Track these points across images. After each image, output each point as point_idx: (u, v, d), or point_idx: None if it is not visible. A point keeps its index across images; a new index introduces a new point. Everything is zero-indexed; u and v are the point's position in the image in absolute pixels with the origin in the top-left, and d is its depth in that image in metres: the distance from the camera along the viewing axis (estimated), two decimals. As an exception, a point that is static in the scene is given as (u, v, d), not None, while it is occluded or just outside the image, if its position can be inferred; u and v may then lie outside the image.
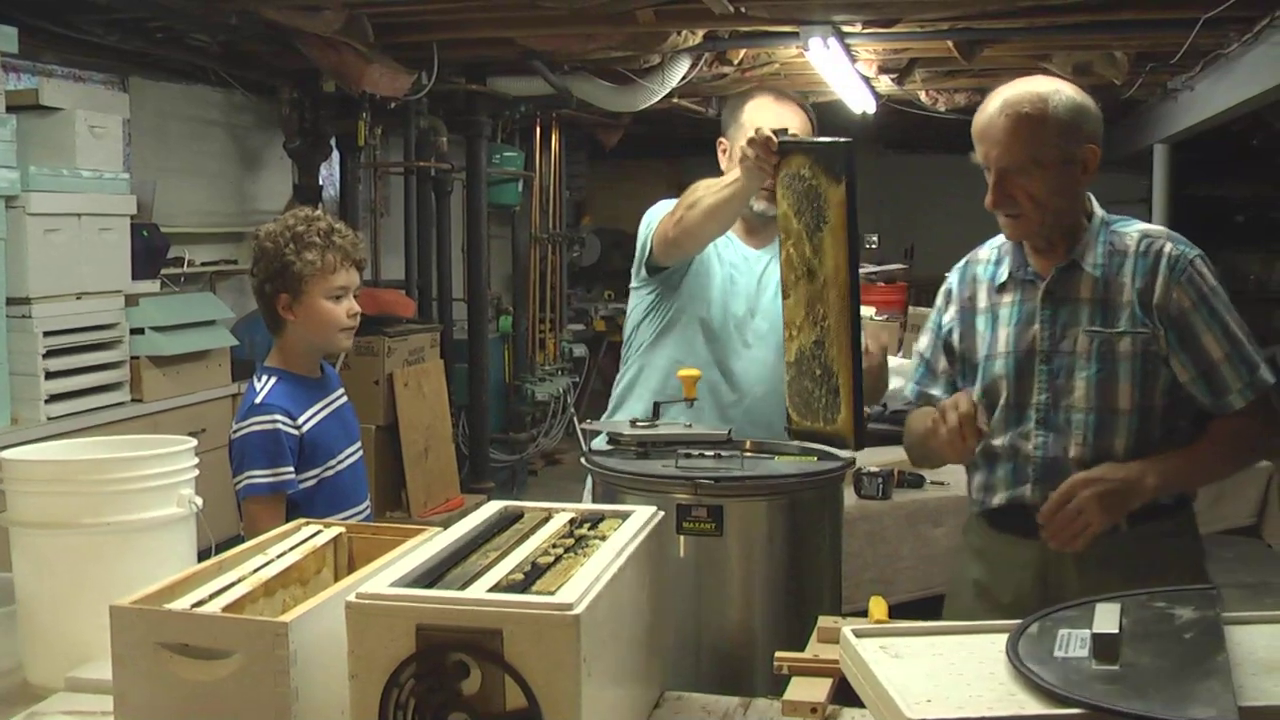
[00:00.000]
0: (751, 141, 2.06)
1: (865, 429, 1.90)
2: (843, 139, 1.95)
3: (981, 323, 2.20)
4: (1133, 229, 2.11)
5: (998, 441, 2.14)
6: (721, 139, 2.76)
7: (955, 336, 2.24)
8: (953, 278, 2.30)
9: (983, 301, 2.20)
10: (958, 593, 2.28)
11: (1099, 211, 2.13)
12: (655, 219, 2.66)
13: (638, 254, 2.72)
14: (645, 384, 2.69)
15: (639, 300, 2.79)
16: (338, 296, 2.45)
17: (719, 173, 2.61)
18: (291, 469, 2.38)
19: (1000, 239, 2.21)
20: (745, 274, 2.71)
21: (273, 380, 2.44)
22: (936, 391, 2.27)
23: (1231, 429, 2.06)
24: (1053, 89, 2.05)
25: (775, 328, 2.46)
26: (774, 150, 2.07)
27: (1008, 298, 2.16)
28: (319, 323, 2.45)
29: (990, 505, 2.17)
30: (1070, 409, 2.07)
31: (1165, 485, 2.02)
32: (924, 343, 2.34)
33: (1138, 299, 2.05)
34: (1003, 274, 2.18)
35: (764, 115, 2.68)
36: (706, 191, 2.43)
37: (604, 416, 2.67)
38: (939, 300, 2.32)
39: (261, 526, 2.18)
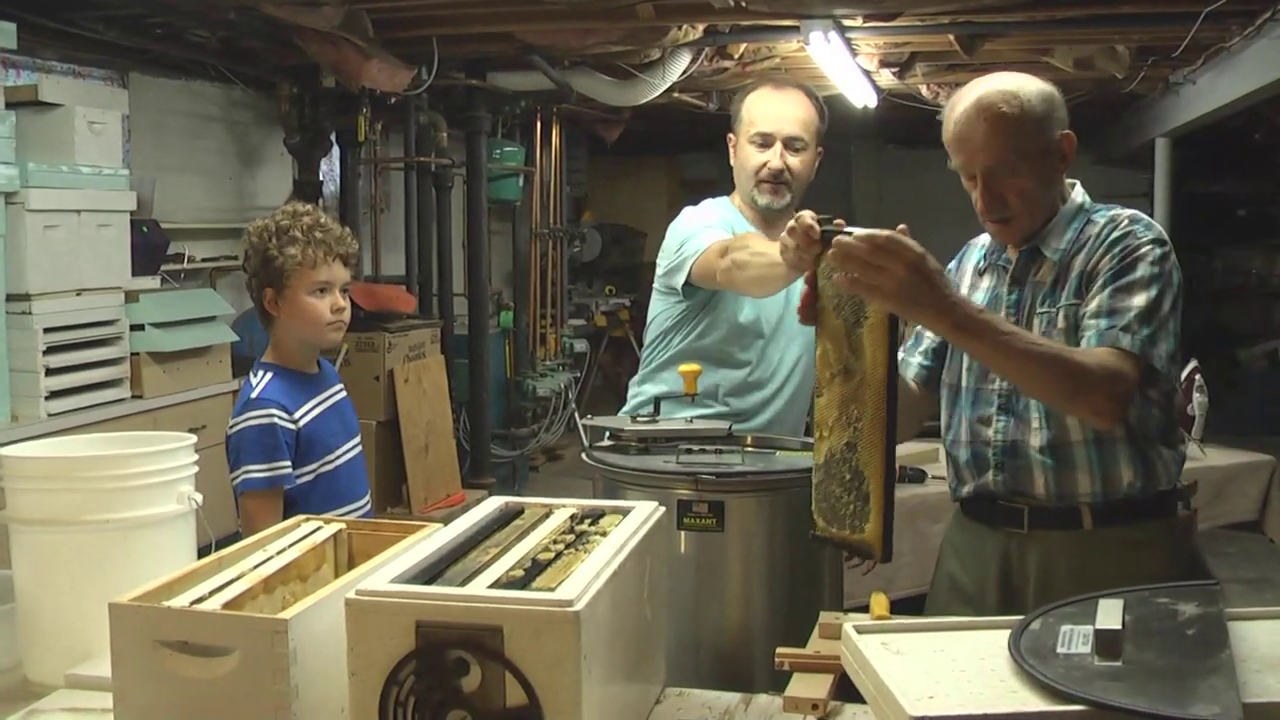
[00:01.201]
0: (791, 230, 1.86)
1: (892, 540, 1.71)
2: (885, 232, 1.72)
3: None
4: (1103, 215, 2.05)
5: (964, 428, 2.12)
6: (730, 134, 2.74)
7: None
8: (955, 260, 2.28)
9: (966, 284, 2.19)
10: (934, 584, 2.28)
11: (1078, 199, 2.09)
12: (696, 238, 2.60)
13: (673, 265, 2.66)
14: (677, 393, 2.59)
15: (667, 306, 2.75)
16: (321, 291, 2.45)
17: (718, 169, 2.60)
18: (288, 464, 2.37)
19: None
20: None
21: (268, 375, 2.44)
22: (914, 360, 2.25)
23: (1078, 353, 1.90)
24: (1019, 84, 2.00)
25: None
26: (816, 239, 1.82)
27: (984, 283, 2.16)
28: (303, 318, 2.44)
29: (961, 495, 2.17)
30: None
31: (959, 324, 1.76)
32: None
33: (1079, 271, 2.00)
34: (983, 259, 2.18)
35: (763, 106, 2.67)
36: (753, 259, 2.37)
37: (619, 413, 2.64)
38: None
39: (259, 522, 2.18)
